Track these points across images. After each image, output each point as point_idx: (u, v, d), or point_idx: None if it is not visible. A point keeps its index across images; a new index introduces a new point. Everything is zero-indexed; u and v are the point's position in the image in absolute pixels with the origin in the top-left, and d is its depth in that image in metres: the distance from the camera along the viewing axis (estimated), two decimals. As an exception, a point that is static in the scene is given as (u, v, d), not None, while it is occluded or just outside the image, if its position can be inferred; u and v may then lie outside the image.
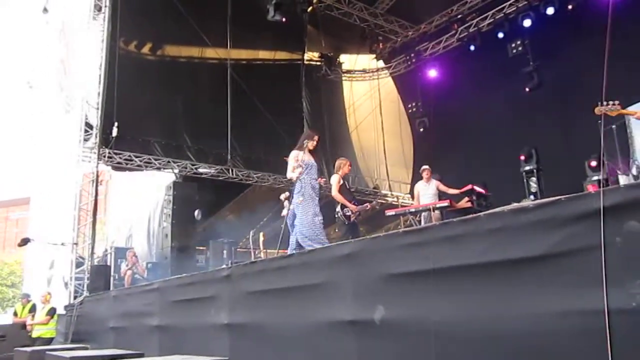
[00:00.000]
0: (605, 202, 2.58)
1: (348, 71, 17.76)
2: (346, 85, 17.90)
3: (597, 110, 5.54)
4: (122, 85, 12.15)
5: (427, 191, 9.61)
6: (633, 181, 7.31)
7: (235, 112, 13.99)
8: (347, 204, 7.46)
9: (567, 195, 2.85)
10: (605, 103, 5.45)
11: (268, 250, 9.88)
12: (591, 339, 2.58)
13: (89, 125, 12.01)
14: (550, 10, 12.41)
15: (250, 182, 14.68)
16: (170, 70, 13.68)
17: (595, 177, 9.60)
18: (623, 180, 8.25)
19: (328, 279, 4.37)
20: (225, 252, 12.17)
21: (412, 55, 16.25)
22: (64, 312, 11.04)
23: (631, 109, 5.54)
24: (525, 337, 2.89)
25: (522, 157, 11.45)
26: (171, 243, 11.41)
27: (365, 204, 7.67)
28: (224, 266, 8.26)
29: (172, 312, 6.97)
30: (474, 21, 14.45)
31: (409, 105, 17.14)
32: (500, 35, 13.75)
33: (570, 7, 12.07)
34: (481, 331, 3.12)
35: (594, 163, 9.83)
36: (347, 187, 7.88)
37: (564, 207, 2.82)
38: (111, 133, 11.88)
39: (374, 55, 17.78)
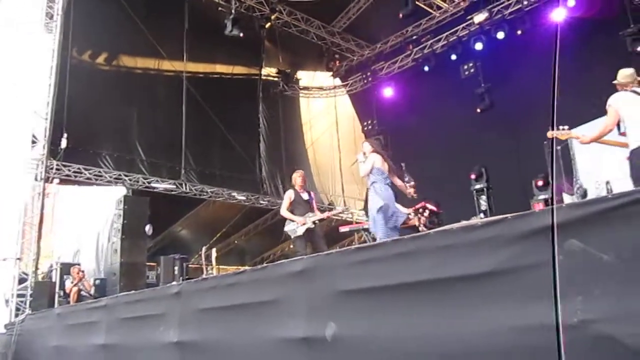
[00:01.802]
0: (547, 221, 2.66)
1: (305, 88, 17.87)
2: (303, 101, 17.99)
3: (548, 134, 5.81)
4: (73, 95, 11.82)
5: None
6: (575, 201, 7.59)
7: (190, 125, 13.84)
8: (293, 217, 7.33)
9: (513, 214, 2.93)
10: (560, 128, 5.73)
11: (221, 267, 9.73)
12: (537, 354, 2.64)
13: (35, 137, 11.60)
14: (500, 35, 12.86)
15: (204, 197, 14.48)
16: (125, 81, 13.42)
17: (542, 196, 9.93)
18: (568, 199, 8.56)
19: (280, 296, 4.34)
20: (176, 268, 11.89)
21: (368, 74, 16.51)
22: (3, 331, 10.54)
23: (576, 132, 5.81)
24: (474, 353, 2.94)
25: (473, 176, 11.74)
26: (120, 259, 11.05)
27: (318, 214, 7.51)
28: (174, 283, 8.08)
29: (120, 330, 6.75)
30: (429, 42, 14.82)
31: (365, 123, 17.36)
32: (454, 57, 14.13)
33: (519, 32, 12.54)
34: (432, 347, 3.15)
35: (540, 182, 10.16)
36: (302, 199, 7.57)
37: (511, 225, 2.90)
38: (60, 144, 11.52)
39: (331, 73, 17.96)
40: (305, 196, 7.62)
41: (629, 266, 2.41)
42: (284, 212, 7.45)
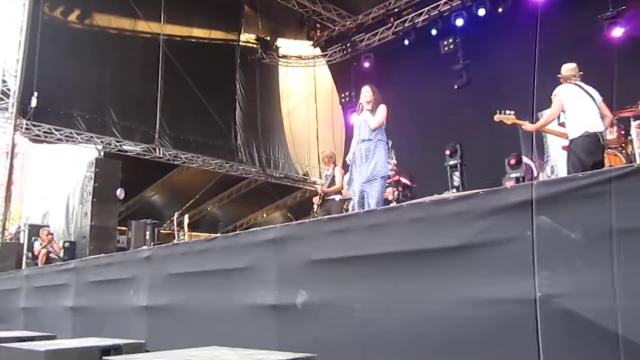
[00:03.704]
0: (518, 197, 2.71)
1: (284, 56, 17.63)
2: (281, 70, 17.78)
3: (495, 118, 6.32)
4: (44, 53, 11.49)
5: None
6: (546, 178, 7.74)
7: (165, 89, 13.58)
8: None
9: (485, 189, 2.97)
10: (503, 112, 6.11)
11: (193, 234, 9.71)
12: (505, 326, 2.72)
13: (4, 94, 11.28)
14: (481, 12, 12.82)
15: (177, 162, 14.34)
16: (99, 41, 13.07)
17: (514, 174, 10.07)
18: (539, 178, 8.71)
19: (252, 263, 4.35)
20: (147, 233, 11.83)
21: (348, 45, 16.33)
22: (-31, 291, 10.39)
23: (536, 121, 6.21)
24: (441, 324, 3.00)
25: (447, 152, 11.82)
26: (91, 222, 10.92)
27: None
28: (144, 247, 8.05)
29: (88, 293, 6.71)
30: (410, 16, 14.69)
31: (343, 95, 17.23)
32: (434, 32, 14.06)
33: (500, 10, 12.52)
34: (400, 317, 3.20)
35: (513, 161, 10.30)
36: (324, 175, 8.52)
37: (482, 200, 2.93)
38: (30, 103, 11.22)
39: (311, 42, 17.73)
40: (325, 172, 8.41)
41: (594, 244, 2.47)
42: None
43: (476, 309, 2.83)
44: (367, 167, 5.71)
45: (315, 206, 8.05)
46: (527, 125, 6.11)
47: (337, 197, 8.11)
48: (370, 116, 5.85)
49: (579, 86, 5.60)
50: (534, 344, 2.56)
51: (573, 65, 5.76)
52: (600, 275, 2.42)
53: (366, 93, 6.00)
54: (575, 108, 5.47)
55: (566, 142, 5.77)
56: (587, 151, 5.31)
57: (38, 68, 11.32)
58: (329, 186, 8.06)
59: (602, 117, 5.54)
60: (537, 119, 6.77)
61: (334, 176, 8.12)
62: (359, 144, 5.90)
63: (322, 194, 8.05)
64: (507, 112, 6.14)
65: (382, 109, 5.87)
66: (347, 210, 8.98)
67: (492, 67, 12.51)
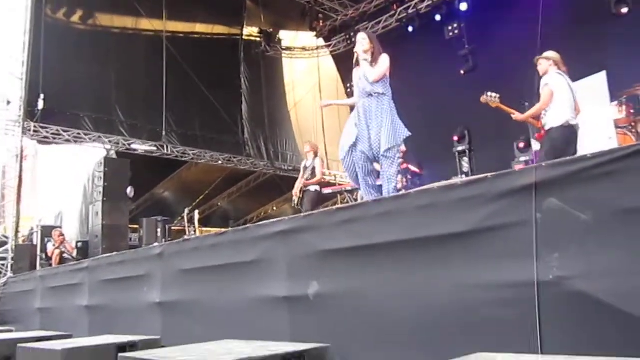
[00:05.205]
0: (527, 180, 2.69)
1: (288, 48, 17.57)
2: (286, 62, 17.72)
3: (482, 99, 6.27)
4: (49, 55, 11.53)
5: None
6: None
7: (171, 86, 13.57)
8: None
9: (493, 173, 2.95)
10: (488, 94, 6.16)
11: (204, 229, 9.77)
12: (514, 309, 2.71)
13: (10, 98, 11.34)
14: (485, -5, 12.68)
15: (186, 159, 14.38)
16: (102, 41, 13.09)
17: (523, 158, 10.01)
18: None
19: (262, 256, 4.36)
20: (159, 230, 11.89)
21: (352, 34, 16.22)
22: (-15, 293, 10.52)
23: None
24: (452, 309, 2.99)
25: (456, 138, 11.77)
26: (102, 221, 10.98)
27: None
28: (156, 244, 8.11)
29: (103, 292, 6.77)
30: (413, 2, 14.58)
31: (348, 85, 17.15)
32: (438, 17, 13.92)
33: (504, -8, 12.38)
34: (411, 304, 3.21)
35: (522, 144, 10.23)
36: (302, 167, 8.43)
37: (490, 184, 2.91)
38: (37, 106, 11.28)
39: (314, 33, 17.62)
40: (304, 163, 8.35)
41: (605, 225, 2.45)
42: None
43: (486, 293, 2.82)
44: (369, 133, 4.80)
45: (295, 199, 8.00)
46: (517, 115, 6.07)
47: (313, 188, 8.04)
48: (369, 67, 4.90)
49: (564, 77, 5.60)
50: (545, 326, 2.55)
51: (558, 55, 5.74)
52: (613, 255, 2.40)
53: (362, 41, 5.01)
54: (559, 98, 5.48)
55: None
56: (567, 141, 5.35)
57: (43, 70, 11.36)
58: (309, 178, 7.99)
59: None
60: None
61: (314, 167, 8.07)
62: (357, 103, 5.05)
63: (303, 186, 8.00)
64: (492, 94, 6.11)
65: (384, 58, 4.92)
66: (356, 200, 9.01)
67: (499, 51, 12.36)
